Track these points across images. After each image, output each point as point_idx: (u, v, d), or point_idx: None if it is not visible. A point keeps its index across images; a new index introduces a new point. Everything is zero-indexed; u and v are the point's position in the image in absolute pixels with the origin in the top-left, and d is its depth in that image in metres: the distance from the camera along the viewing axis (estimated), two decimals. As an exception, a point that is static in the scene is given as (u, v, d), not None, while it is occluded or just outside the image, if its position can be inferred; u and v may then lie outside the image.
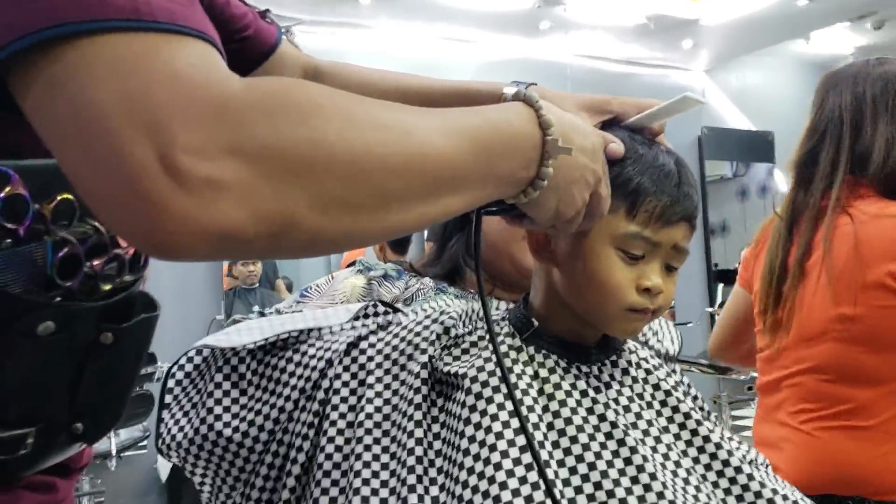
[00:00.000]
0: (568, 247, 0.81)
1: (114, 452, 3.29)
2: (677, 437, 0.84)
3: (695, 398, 0.92)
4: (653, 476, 0.76)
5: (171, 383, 0.90)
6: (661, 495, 0.74)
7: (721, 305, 5.65)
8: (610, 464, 0.76)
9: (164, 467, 3.53)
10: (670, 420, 0.85)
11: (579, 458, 0.77)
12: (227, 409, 0.84)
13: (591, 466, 0.76)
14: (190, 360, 0.89)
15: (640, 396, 0.85)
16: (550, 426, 0.78)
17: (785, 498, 0.81)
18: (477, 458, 0.73)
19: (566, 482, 0.75)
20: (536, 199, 0.66)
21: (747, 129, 6.00)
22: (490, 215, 0.72)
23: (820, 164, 1.41)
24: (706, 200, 6.72)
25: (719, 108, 5.82)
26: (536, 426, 0.76)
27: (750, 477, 0.82)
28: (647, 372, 0.88)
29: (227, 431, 0.82)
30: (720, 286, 5.83)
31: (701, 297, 5.66)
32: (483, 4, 4.46)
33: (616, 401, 0.83)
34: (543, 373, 0.81)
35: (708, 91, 5.66)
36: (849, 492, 1.29)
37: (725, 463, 0.83)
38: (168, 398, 0.89)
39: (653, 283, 0.79)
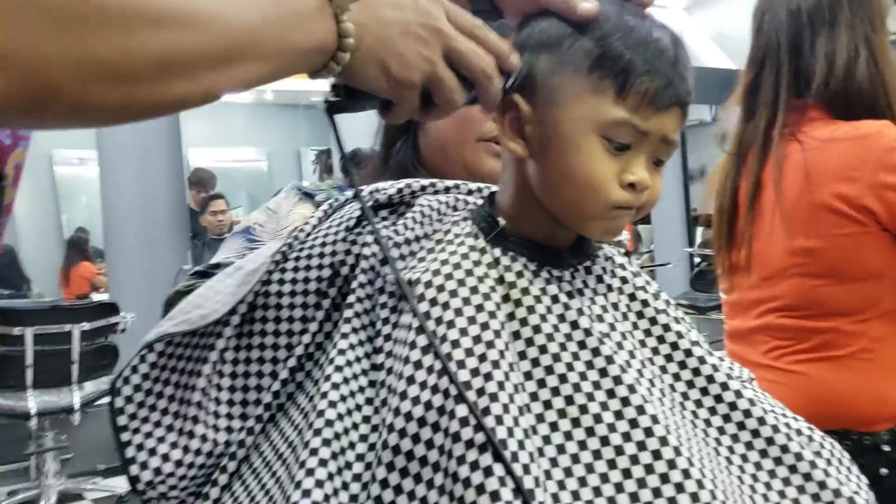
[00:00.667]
0: (544, 134, 0.71)
1: (77, 406, 3.20)
2: (655, 351, 0.76)
3: (676, 308, 0.83)
4: (631, 388, 0.67)
5: (119, 402, 0.75)
6: (640, 409, 0.66)
7: (701, 245, 5.63)
8: (583, 375, 0.68)
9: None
10: (647, 333, 0.77)
11: (549, 370, 0.68)
12: (223, 417, 0.75)
13: (563, 378, 0.67)
14: (143, 359, 0.76)
15: (615, 307, 0.76)
16: (517, 335, 0.69)
17: (778, 416, 0.74)
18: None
19: (534, 396, 0.67)
20: (353, 64, 0.61)
21: (728, 68, 5.90)
22: (338, 112, 0.67)
23: (762, 92, 1.33)
24: (685, 145, 6.66)
25: (698, 48, 5.71)
26: (497, 334, 0.66)
27: (738, 394, 0.74)
28: (624, 280, 0.79)
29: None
30: (699, 229, 5.84)
31: (680, 239, 5.63)
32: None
33: (590, 308, 0.74)
34: (510, 277, 0.72)
35: (687, 30, 5.54)
36: (834, 425, 1.21)
37: (710, 379, 0.75)
38: (122, 419, 0.75)
39: (638, 178, 0.69)
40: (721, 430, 0.73)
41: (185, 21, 0.50)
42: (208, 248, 4.44)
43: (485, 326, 0.66)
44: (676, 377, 0.75)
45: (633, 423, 0.66)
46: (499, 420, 0.61)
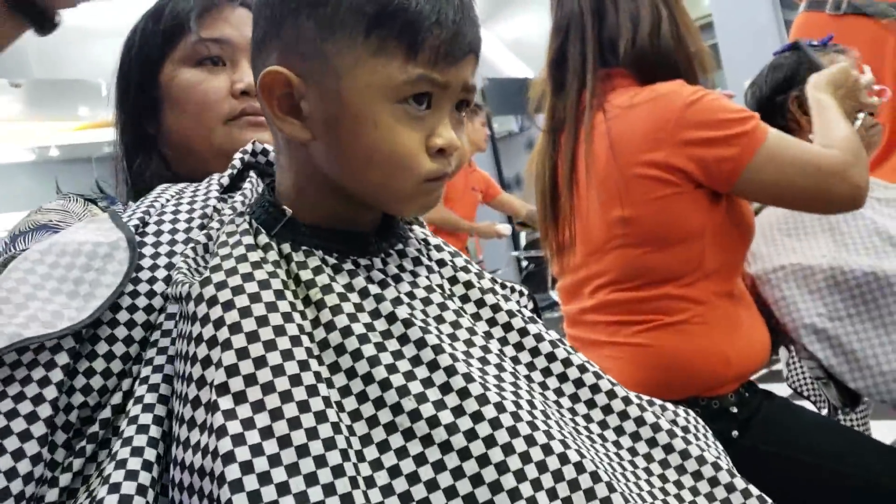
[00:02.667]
0: (328, 111, 0.60)
1: None
2: (488, 335, 0.67)
3: (503, 286, 0.75)
4: (468, 377, 0.57)
5: None
6: (482, 399, 0.56)
7: (526, 247, 5.77)
8: (410, 375, 0.57)
9: None
10: (477, 317, 0.68)
11: (367, 378, 0.57)
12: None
13: (385, 385, 0.56)
14: None
15: (441, 287, 0.67)
16: (324, 344, 0.57)
17: (626, 401, 0.67)
18: None
19: (356, 414, 0.55)
20: None
21: (526, 76, 6.10)
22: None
23: (569, 62, 1.29)
24: (498, 157, 6.84)
25: (498, 59, 5.87)
26: (287, 354, 0.54)
27: (582, 369, 0.67)
28: (441, 263, 0.69)
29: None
30: (523, 232, 5.98)
31: (506, 244, 5.73)
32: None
33: (410, 294, 0.64)
34: (306, 275, 0.60)
35: (484, 42, 5.67)
36: (681, 394, 1.19)
37: (551, 357, 0.67)
38: None
39: (447, 140, 0.60)
40: (573, 411, 0.65)
41: None
42: None
43: (270, 346, 0.54)
44: (516, 360, 0.66)
45: (478, 417, 0.55)
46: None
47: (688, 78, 1.23)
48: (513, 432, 0.55)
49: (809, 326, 1.30)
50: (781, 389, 1.43)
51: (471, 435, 0.54)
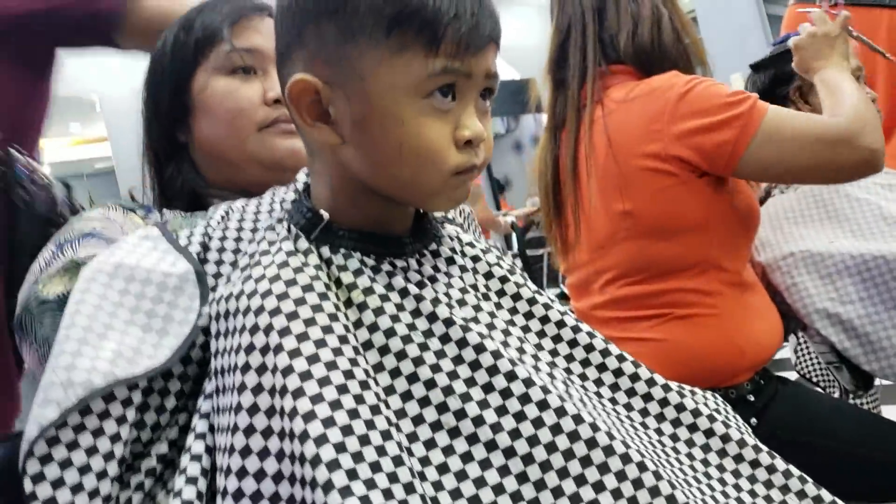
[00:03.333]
0: (355, 113, 0.60)
1: None
2: (526, 328, 0.67)
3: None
4: (511, 376, 0.58)
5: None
6: (525, 398, 0.57)
7: (520, 249, 5.77)
8: (453, 374, 0.58)
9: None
10: (514, 311, 0.69)
11: (412, 378, 0.58)
12: None
13: (430, 384, 0.57)
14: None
15: (475, 287, 0.68)
16: (368, 345, 0.58)
17: (667, 388, 0.69)
18: None
19: (400, 413, 0.56)
20: None
21: (512, 79, 6.11)
22: None
23: (569, 59, 1.31)
24: (486, 158, 6.84)
25: (483, 62, 5.87)
26: (338, 351, 0.55)
27: (621, 358, 0.69)
28: (476, 259, 0.70)
29: None
30: (513, 234, 5.98)
31: (499, 245, 5.75)
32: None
33: (447, 294, 0.64)
34: (346, 278, 0.61)
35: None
36: (698, 385, 1.20)
37: (589, 348, 0.68)
38: None
39: (474, 131, 0.61)
40: (613, 401, 0.66)
41: None
42: None
43: (321, 343, 0.55)
44: (554, 353, 0.67)
45: (520, 416, 0.56)
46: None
47: (685, 69, 1.25)
48: (555, 430, 0.56)
49: (822, 311, 1.31)
50: (789, 376, 1.45)
51: (515, 434, 0.56)
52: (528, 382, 0.58)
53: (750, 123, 1.13)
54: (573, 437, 0.56)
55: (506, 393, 0.57)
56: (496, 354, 0.59)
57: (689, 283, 1.22)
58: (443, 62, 0.58)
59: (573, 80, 1.30)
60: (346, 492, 0.49)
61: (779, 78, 1.51)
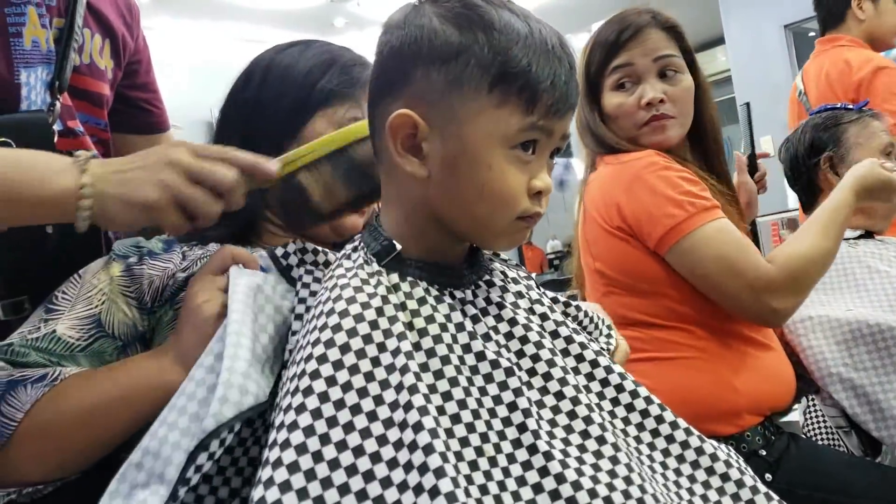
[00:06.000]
0: (447, 152, 0.67)
1: None
2: (566, 363, 0.73)
3: (575, 319, 0.82)
4: (535, 434, 0.63)
5: None
6: (548, 455, 0.62)
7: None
8: (492, 412, 0.64)
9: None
10: (554, 346, 0.74)
11: (462, 404, 0.63)
12: None
13: (476, 414, 0.63)
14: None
15: (526, 316, 0.73)
16: (425, 367, 0.64)
17: (689, 431, 0.73)
18: None
19: (449, 432, 0.61)
20: (96, 206, 0.73)
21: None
22: None
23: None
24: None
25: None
26: (405, 369, 0.61)
27: (648, 400, 0.73)
28: (520, 295, 0.76)
29: None
30: (533, 274, 6.01)
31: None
32: (273, 2, 4.26)
33: (495, 329, 0.70)
34: (412, 304, 0.67)
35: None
36: (700, 429, 1.23)
37: (619, 388, 0.73)
38: None
39: (546, 184, 0.69)
40: (638, 440, 0.71)
41: None
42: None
43: (391, 369, 0.60)
44: (587, 389, 0.72)
45: (544, 472, 0.61)
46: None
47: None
48: (576, 486, 0.60)
49: (835, 375, 1.35)
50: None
51: (543, 472, 0.61)
52: (551, 443, 0.63)
53: (701, 217, 1.20)
54: (575, 485, 0.60)
55: (532, 449, 0.62)
56: (527, 412, 0.64)
57: (672, 336, 1.27)
58: (534, 120, 0.66)
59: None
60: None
61: (814, 146, 1.57)
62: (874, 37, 2.22)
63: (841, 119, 1.54)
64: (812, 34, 5.38)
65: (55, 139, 0.91)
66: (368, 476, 0.56)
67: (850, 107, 1.57)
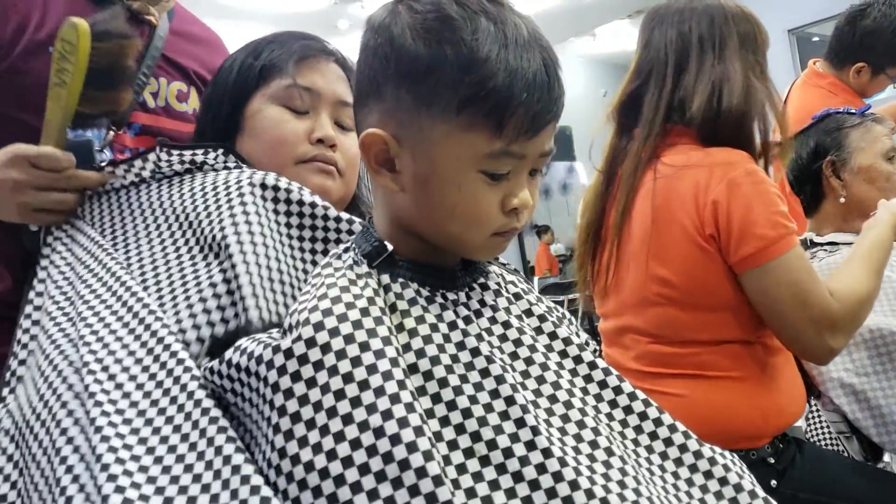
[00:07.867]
0: (418, 170, 0.66)
1: None
2: (560, 366, 0.72)
3: (570, 322, 0.81)
4: (535, 430, 0.62)
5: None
6: (547, 452, 0.61)
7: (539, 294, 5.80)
8: (489, 408, 0.63)
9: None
10: (549, 349, 0.74)
11: (451, 405, 0.63)
12: None
13: (466, 413, 0.62)
14: None
15: (520, 318, 0.73)
16: (414, 368, 0.63)
17: (687, 435, 0.73)
18: None
19: (438, 435, 0.61)
20: None
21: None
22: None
23: (643, 109, 1.29)
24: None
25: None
26: (395, 361, 0.60)
27: (647, 403, 0.73)
28: (517, 297, 0.76)
29: None
30: (535, 278, 6.08)
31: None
32: (275, 4, 4.26)
33: (489, 330, 0.70)
34: (402, 305, 0.66)
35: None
36: (723, 445, 1.21)
37: (617, 390, 0.73)
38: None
39: (521, 201, 0.67)
40: (636, 443, 0.71)
41: None
42: None
43: (372, 369, 0.59)
44: (585, 391, 0.72)
45: (541, 468, 0.61)
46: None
47: (747, 146, 1.23)
48: (573, 485, 0.60)
49: (837, 380, 1.34)
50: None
51: (540, 471, 0.60)
52: (550, 441, 0.62)
53: (785, 244, 1.15)
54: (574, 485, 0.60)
55: (530, 445, 0.61)
56: (525, 408, 0.63)
57: (716, 353, 1.23)
58: (502, 145, 0.64)
59: (642, 130, 1.29)
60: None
61: (817, 151, 1.56)
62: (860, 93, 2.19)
63: (843, 123, 1.54)
64: (816, 39, 5.39)
65: (101, 164, 1.00)
66: (339, 481, 0.56)
67: (853, 111, 1.56)
